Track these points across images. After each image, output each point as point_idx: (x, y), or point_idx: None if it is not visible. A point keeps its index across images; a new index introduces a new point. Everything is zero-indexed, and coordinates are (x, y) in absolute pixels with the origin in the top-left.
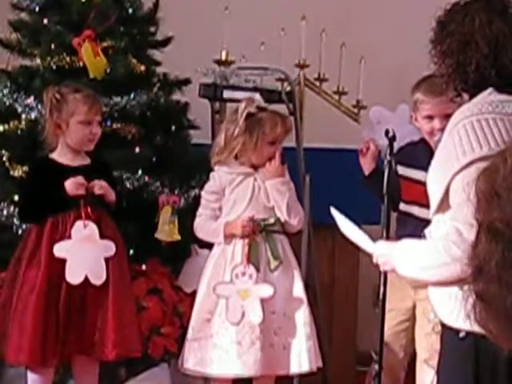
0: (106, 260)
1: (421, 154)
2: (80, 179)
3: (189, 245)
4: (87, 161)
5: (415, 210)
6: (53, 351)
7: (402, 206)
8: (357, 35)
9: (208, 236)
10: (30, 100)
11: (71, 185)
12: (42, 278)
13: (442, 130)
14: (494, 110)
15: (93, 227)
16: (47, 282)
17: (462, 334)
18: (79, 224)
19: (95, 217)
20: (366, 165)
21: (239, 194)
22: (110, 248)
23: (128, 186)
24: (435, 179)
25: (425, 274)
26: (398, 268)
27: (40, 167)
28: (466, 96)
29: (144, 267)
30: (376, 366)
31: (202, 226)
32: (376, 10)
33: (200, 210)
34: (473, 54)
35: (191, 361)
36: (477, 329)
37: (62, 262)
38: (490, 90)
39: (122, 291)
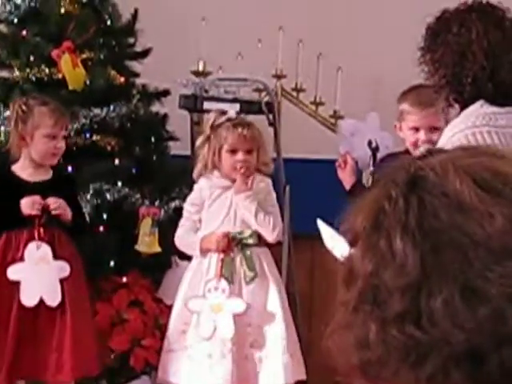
0: (62, 280)
1: None
2: (36, 198)
3: (169, 256)
4: (48, 175)
5: None
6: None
7: None
8: (334, 45)
9: (186, 248)
10: (9, 113)
11: (26, 204)
12: None
13: (427, 141)
14: (487, 122)
15: (45, 249)
16: None
17: None
18: (32, 246)
19: (49, 237)
20: (346, 179)
21: (217, 208)
22: (64, 269)
23: (108, 197)
24: None
25: None
26: None
27: None
28: (457, 106)
29: (125, 279)
30: None
31: (182, 238)
32: (353, 21)
33: (181, 221)
34: (470, 65)
35: (167, 372)
36: None
37: (13, 281)
38: (481, 101)
39: (80, 311)
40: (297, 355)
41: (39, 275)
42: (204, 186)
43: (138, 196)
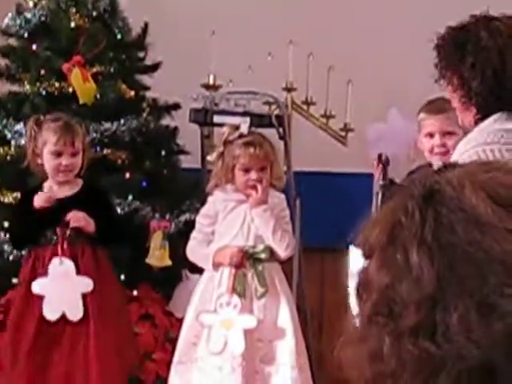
0: (85, 295)
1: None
2: (47, 194)
3: (180, 270)
4: (75, 189)
5: None
6: None
7: None
8: (344, 58)
9: (198, 260)
10: (20, 126)
11: (39, 197)
12: (15, 313)
13: (441, 146)
14: (499, 140)
15: (68, 264)
16: (21, 318)
17: None
18: (55, 261)
19: (73, 252)
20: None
21: (231, 221)
22: (87, 284)
23: (119, 211)
24: None
25: None
26: None
27: (27, 196)
28: (474, 110)
29: (135, 293)
30: None
31: (194, 250)
32: (362, 33)
33: (194, 233)
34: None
35: None
36: None
37: (39, 297)
38: (495, 116)
39: (104, 326)
40: (305, 370)
41: (62, 290)
42: (218, 199)
43: (149, 209)
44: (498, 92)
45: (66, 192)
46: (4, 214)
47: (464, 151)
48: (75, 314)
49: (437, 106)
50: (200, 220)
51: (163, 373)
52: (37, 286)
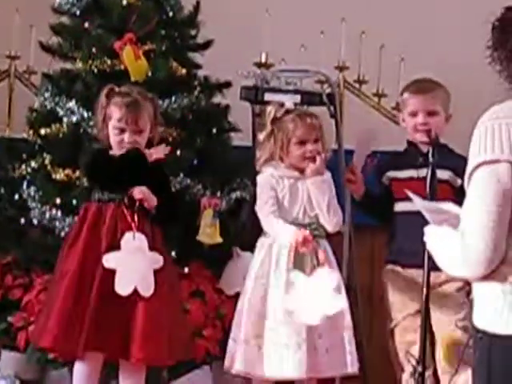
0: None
1: (408, 155)
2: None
3: (230, 247)
4: None
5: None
6: (76, 341)
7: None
8: (396, 36)
9: (279, 234)
10: (72, 104)
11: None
12: (76, 267)
13: (424, 124)
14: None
15: (142, 238)
16: (80, 272)
17: (479, 334)
18: (128, 235)
19: (144, 227)
20: (358, 190)
21: (292, 200)
22: (157, 260)
23: None
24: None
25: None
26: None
27: (99, 156)
28: None
29: (187, 270)
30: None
31: (273, 224)
32: (414, 11)
33: (264, 207)
34: None
35: (239, 362)
36: (489, 329)
37: (98, 254)
38: None
39: (159, 302)
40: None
41: (135, 265)
42: (274, 173)
43: (200, 187)
44: None
45: None
46: (55, 191)
47: (481, 122)
48: (147, 289)
49: (421, 86)
50: (266, 192)
51: (213, 350)
52: (109, 260)
